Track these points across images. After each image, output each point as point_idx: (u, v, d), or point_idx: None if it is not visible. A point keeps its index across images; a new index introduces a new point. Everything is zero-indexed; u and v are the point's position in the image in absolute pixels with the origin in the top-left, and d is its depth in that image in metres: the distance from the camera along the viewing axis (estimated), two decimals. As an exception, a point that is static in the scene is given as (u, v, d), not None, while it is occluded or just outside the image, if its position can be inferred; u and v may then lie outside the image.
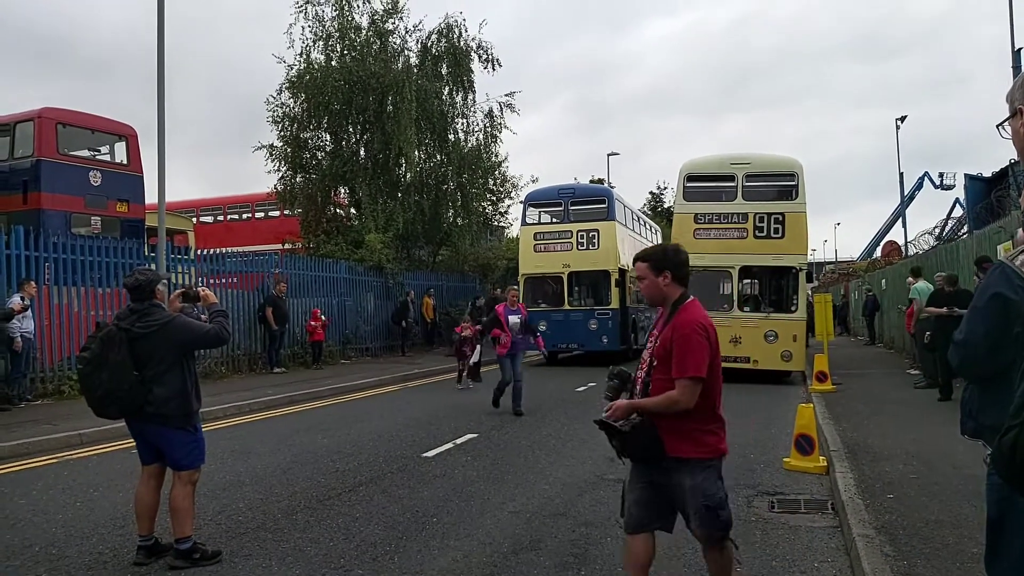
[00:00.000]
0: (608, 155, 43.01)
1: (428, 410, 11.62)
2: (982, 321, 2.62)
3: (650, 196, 49.51)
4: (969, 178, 25.43)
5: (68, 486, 6.89)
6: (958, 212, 35.77)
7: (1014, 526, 2.12)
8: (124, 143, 16.79)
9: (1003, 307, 2.29)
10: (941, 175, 50.79)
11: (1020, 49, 20.38)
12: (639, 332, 22.21)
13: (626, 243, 20.79)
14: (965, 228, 24.78)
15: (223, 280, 17.11)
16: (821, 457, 7.30)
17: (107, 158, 16.78)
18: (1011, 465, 1.96)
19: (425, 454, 8.09)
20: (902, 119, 38.88)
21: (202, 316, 5.21)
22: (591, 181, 39.36)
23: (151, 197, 15.86)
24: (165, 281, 6.02)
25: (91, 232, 15.41)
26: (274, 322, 16.61)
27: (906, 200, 43.75)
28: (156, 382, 4.71)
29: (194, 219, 25.17)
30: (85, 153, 16.51)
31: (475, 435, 9.17)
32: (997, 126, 2.27)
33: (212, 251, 17.79)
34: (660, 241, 27.06)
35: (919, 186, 52.23)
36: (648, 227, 26.55)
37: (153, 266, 13.79)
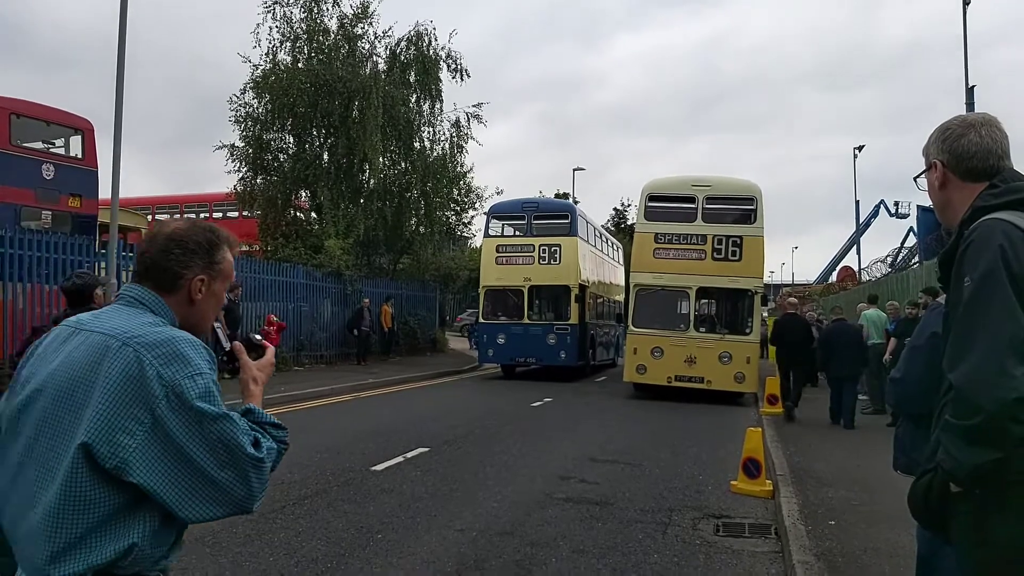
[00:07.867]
0: (574, 170, 42.70)
1: (381, 422, 11.48)
2: (919, 360, 2.68)
3: (614, 212, 49.94)
4: (921, 209, 26.05)
5: None
6: (912, 241, 36.66)
7: (943, 564, 2.15)
8: (80, 137, 16.37)
9: (939, 347, 2.33)
10: (896, 203, 52.01)
11: (973, 87, 21.01)
12: (597, 348, 22.30)
13: (587, 259, 20.90)
14: (916, 258, 25.39)
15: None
16: (768, 481, 7.38)
17: (62, 151, 16.36)
18: (925, 508, 1.99)
19: (374, 467, 7.98)
20: (860, 148, 40.09)
21: None
22: (556, 195, 39.60)
23: (106, 193, 15.52)
24: (104, 285, 5.86)
25: (41, 227, 14.99)
26: (225, 327, 16.30)
27: (861, 227, 44.85)
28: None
29: (149, 217, 24.65)
30: (39, 145, 16.07)
31: (427, 449, 9.09)
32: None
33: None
34: (621, 259, 27.29)
35: (875, 214, 53.47)
36: (610, 244, 26.74)
37: (103, 264, 13.46)
